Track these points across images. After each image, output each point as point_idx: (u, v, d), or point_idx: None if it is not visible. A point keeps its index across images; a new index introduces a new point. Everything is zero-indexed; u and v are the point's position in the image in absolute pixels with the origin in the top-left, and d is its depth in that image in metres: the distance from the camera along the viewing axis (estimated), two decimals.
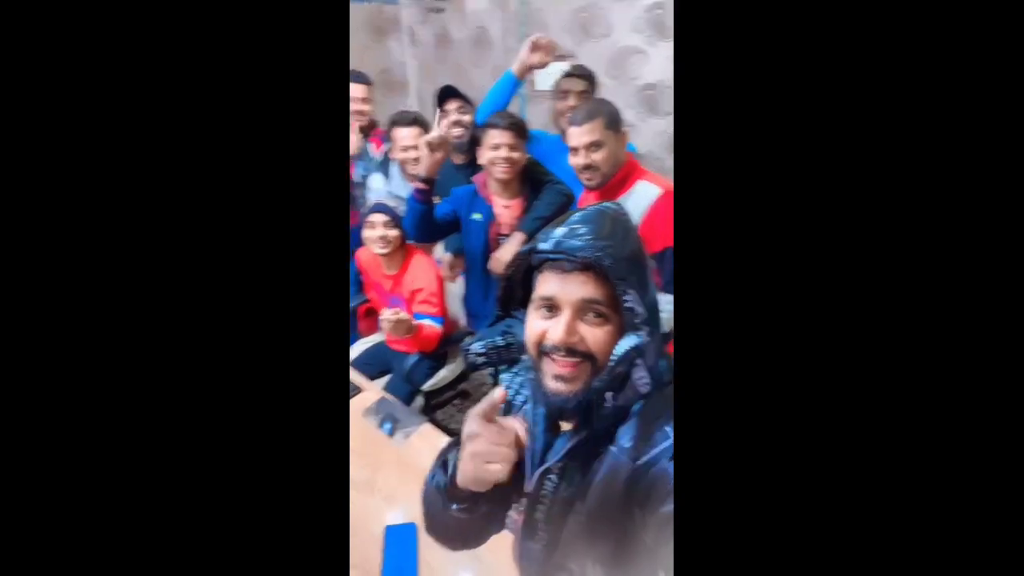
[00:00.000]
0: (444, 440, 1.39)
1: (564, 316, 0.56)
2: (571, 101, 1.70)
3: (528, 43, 1.65)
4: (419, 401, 1.79)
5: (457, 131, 1.69)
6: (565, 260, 0.56)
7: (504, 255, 1.52)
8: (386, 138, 1.94)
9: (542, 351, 0.58)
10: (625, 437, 0.57)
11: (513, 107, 1.74)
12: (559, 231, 0.58)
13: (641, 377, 0.56)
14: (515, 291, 0.67)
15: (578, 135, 1.28)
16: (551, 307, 0.58)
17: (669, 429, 0.55)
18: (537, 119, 2.42)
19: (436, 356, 1.76)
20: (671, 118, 2.04)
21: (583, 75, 1.74)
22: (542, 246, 0.58)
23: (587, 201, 1.44)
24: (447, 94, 1.70)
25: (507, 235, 1.53)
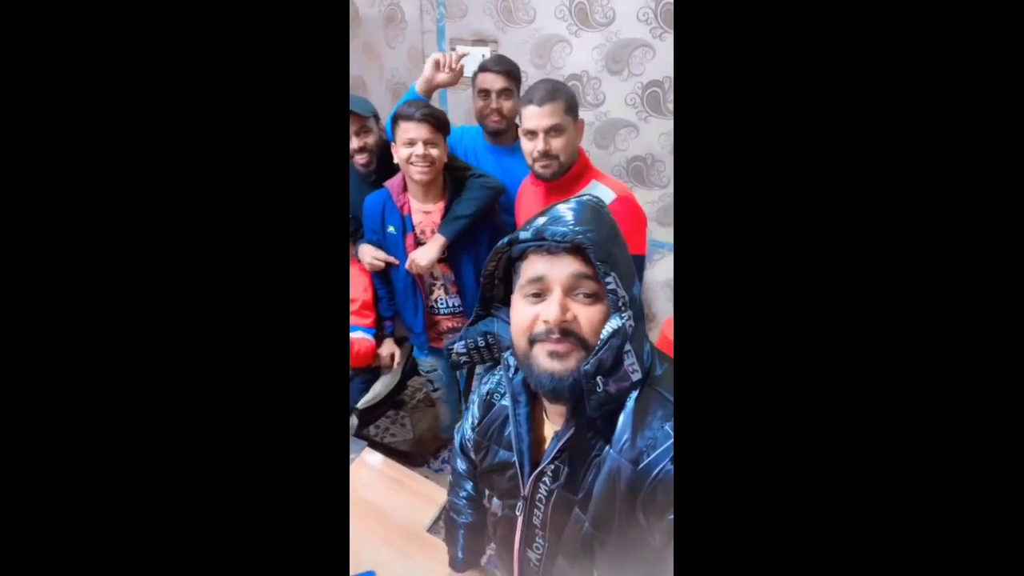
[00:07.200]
0: (395, 468, 1.25)
1: (555, 294, 0.55)
2: (493, 103, 1.42)
3: (431, 61, 1.39)
4: (352, 421, 1.64)
5: (361, 158, 1.45)
6: (550, 243, 0.55)
7: (421, 258, 1.31)
8: None
9: (532, 339, 0.56)
10: (623, 438, 0.55)
11: (433, 100, 1.51)
12: (539, 220, 0.57)
13: (631, 364, 0.55)
14: (496, 286, 0.66)
15: (537, 116, 1.11)
16: (539, 291, 0.56)
17: (669, 428, 0.54)
18: (458, 115, 2.30)
19: (370, 370, 1.61)
20: (597, 111, 2.00)
21: (503, 70, 1.41)
22: (523, 235, 0.57)
23: (527, 192, 1.30)
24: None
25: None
